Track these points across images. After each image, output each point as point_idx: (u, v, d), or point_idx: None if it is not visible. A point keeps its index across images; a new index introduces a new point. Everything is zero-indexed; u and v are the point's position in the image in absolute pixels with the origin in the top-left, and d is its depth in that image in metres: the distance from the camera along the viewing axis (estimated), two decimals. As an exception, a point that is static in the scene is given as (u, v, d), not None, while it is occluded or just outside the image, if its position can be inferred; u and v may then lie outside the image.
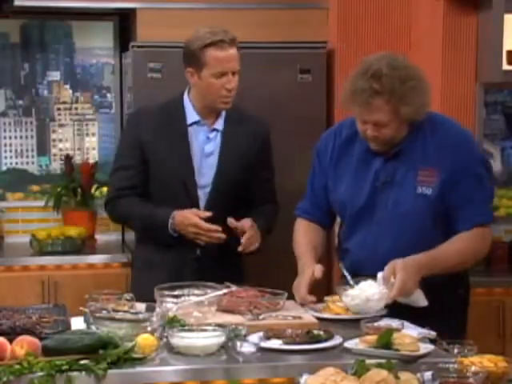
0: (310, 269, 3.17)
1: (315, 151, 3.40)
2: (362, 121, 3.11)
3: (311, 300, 3.09)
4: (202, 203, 3.54)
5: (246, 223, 3.47)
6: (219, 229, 3.42)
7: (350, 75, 3.13)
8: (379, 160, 3.19)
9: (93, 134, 5.17)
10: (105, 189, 4.59)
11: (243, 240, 3.44)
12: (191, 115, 3.56)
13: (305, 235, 3.38)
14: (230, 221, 3.46)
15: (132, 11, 4.70)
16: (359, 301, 2.99)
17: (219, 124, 3.57)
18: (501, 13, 4.16)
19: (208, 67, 3.44)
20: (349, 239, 3.28)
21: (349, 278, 3.08)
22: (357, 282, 3.04)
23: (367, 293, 2.98)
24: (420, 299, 3.03)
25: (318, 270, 3.15)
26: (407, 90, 3.02)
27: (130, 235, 4.50)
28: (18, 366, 2.40)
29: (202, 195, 3.54)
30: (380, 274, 3.00)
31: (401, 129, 3.12)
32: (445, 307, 3.14)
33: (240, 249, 3.45)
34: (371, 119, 3.06)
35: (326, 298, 3.11)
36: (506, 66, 4.15)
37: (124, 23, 5.01)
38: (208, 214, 3.43)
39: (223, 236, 3.43)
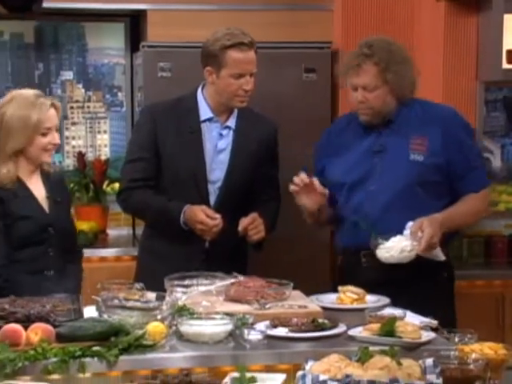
0: None
1: (313, 151, 3.60)
2: (353, 87, 3.33)
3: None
4: (213, 198, 3.54)
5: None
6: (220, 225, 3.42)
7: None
8: (373, 135, 3.38)
9: (104, 132, 5.18)
10: (116, 185, 4.60)
11: (242, 222, 3.44)
12: (205, 112, 3.56)
13: None
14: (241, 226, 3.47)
15: (143, 12, 4.71)
16: (394, 252, 3.17)
17: (232, 121, 3.58)
18: (500, 13, 4.16)
19: (227, 68, 3.44)
20: (344, 207, 3.41)
21: (376, 236, 3.22)
22: (386, 238, 3.20)
23: (401, 245, 3.16)
24: (440, 254, 3.25)
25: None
26: (394, 60, 3.28)
27: (141, 230, 4.49)
28: (32, 352, 2.41)
29: (213, 190, 3.55)
30: (407, 231, 3.18)
31: (387, 99, 3.32)
32: (431, 293, 3.26)
33: (239, 228, 3.44)
34: (360, 82, 3.29)
35: (339, 288, 3.12)
36: (505, 65, 4.15)
37: (135, 24, 5.03)
38: (217, 215, 3.41)
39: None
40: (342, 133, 3.48)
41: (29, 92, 3.31)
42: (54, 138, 3.28)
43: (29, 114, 3.22)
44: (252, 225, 3.45)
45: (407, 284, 3.23)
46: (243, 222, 3.44)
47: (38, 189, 3.30)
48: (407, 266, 3.20)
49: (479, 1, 4.27)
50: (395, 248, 3.17)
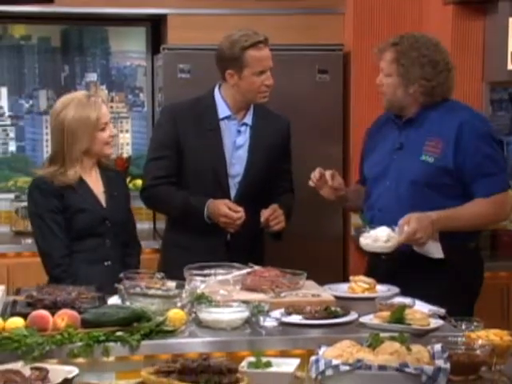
0: None
1: (364, 134, 3.62)
2: (379, 70, 3.34)
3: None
4: (233, 192, 3.55)
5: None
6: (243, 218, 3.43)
7: None
8: (396, 133, 3.36)
9: (126, 131, 5.20)
10: (138, 181, 4.61)
11: (263, 213, 3.46)
12: (223, 110, 3.57)
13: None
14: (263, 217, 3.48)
15: (163, 17, 4.73)
16: (370, 240, 3.14)
17: (248, 119, 3.59)
18: (506, 16, 4.14)
19: (249, 67, 3.46)
20: (366, 200, 3.42)
21: (366, 225, 3.26)
22: (373, 228, 3.18)
23: (377, 234, 3.13)
24: (435, 251, 3.18)
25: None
26: (412, 56, 3.26)
27: (161, 224, 4.51)
28: (59, 337, 2.43)
29: (233, 184, 3.56)
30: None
31: (398, 92, 3.29)
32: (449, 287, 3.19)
33: (262, 219, 3.46)
34: (381, 64, 3.32)
35: (351, 278, 3.12)
36: (510, 66, 4.14)
37: (156, 28, 5.03)
38: (239, 208, 3.42)
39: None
40: (380, 129, 3.47)
41: (80, 94, 3.36)
42: (111, 130, 3.35)
43: (87, 114, 3.25)
44: (273, 215, 3.46)
45: (426, 278, 3.19)
46: (264, 214, 3.45)
47: (95, 184, 3.34)
48: (426, 260, 3.18)
49: (485, 5, 4.25)
50: (372, 236, 3.15)
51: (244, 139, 3.58)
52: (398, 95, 3.30)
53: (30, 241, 3.37)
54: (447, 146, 3.23)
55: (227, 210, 3.40)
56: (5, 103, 5.07)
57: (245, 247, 3.45)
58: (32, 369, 2.27)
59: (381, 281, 3.10)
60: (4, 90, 5.05)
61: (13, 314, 2.58)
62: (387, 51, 3.31)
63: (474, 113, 3.41)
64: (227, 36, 3.52)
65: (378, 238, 3.13)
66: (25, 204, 3.79)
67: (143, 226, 4.99)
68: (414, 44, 3.29)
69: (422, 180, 3.24)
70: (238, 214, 3.40)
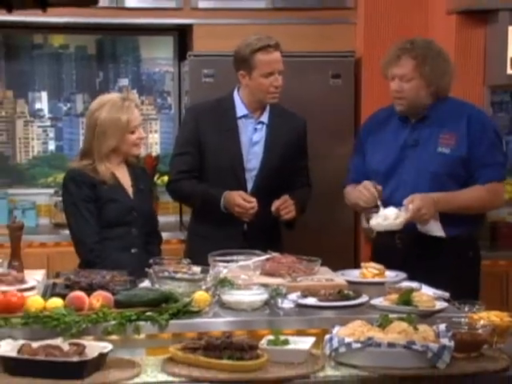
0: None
1: (358, 134, 3.55)
2: (391, 77, 3.27)
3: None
4: (249, 185, 3.55)
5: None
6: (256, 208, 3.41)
7: None
8: (408, 129, 3.31)
9: (155, 131, 5.20)
10: (165, 177, 4.61)
11: (275, 203, 3.44)
12: (240, 110, 3.56)
13: (354, 187, 3.40)
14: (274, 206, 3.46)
15: (189, 27, 4.72)
16: (380, 219, 3.13)
17: (265, 117, 3.58)
18: (506, 25, 4.12)
19: (258, 69, 3.45)
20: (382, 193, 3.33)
21: (380, 203, 3.19)
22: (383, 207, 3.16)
23: (386, 213, 3.12)
24: (436, 230, 3.19)
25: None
26: (431, 56, 3.21)
27: (187, 217, 4.52)
28: (94, 316, 2.44)
29: (249, 178, 3.55)
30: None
31: (420, 92, 3.24)
32: (457, 271, 3.15)
33: (272, 208, 3.44)
34: (398, 72, 3.23)
35: (362, 264, 3.11)
36: (510, 71, 4.12)
37: (182, 37, 5.03)
38: (252, 199, 3.42)
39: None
40: (382, 125, 3.40)
41: (115, 96, 3.36)
42: (141, 133, 3.34)
43: (119, 116, 3.25)
44: (283, 205, 3.45)
45: (435, 263, 3.17)
46: (275, 203, 3.45)
47: (124, 178, 3.35)
48: (435, 247, 3.18)
49: (487, 14, 4.22)
50: (381, 216, 3.13)
51: (260, 136, 3.57)
52: (421, 96, 3.25)
53: (67, 232, 3.38)
54: (461, 137, 3.21)
55: (241, 201, 3.40)
56: (45, 106, 5.09)
57: (261, 236, 3.43)
58: (70, 344, 2.28)
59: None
60: (44, 94, 5.07)
61: (53, 295, 2.60)
62: (403, 57, 3.23)
63: (478, 107, 3.42)
64: (244, 40, 3.53)
65: (388, 217, 3.11)
66: (63, 197, 3.79)
67: (170, 218, 5.00)
68: (427, 45, 3.26)
69: (442, 171, 3.22)
70: (250, 204, 3.39)
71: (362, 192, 3.25)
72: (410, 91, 3.23)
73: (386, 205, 3.19)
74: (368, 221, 3.20)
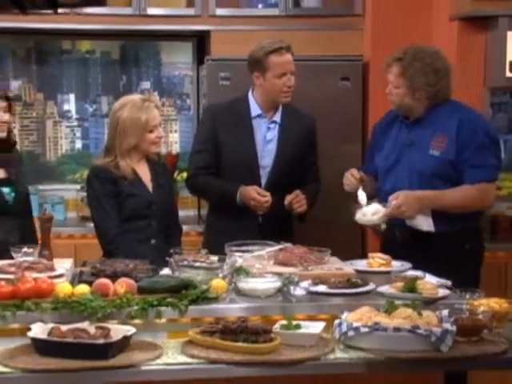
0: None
1: (373, 130, 3.56)
2: (388, 81, 3.31)
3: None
4: (263, 180, 3.55)
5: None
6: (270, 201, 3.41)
7: None
8: (406, 130, 3.32)
9: (175, 131, 5.21)
10: (185, 174, 4.60)
11: (287, 197, 3.44)
12: (255, 110, 3.57)
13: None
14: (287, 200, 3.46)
15: (207, 33, 4.72)
16: (360, 215, 3.16)
17: (277, 117, 3.58)
18: (505, 30, 4.09)
19: (271, 70, 3.46)
20: (380, 190, 3.36)
21: (360, 191, 3.23)
22: (368, 204, 3.18)
23: (367, 209, 3.14)
24: (424, 224, 3.18)
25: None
26: (416, 67, 3.22)
27: (204, 211, 4.51)
28: (118, 301, 2.45)
29: (263, 174, 3.55)
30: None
31: (406, 100, 3.25)
32: (455, 262, 3.14)
33: (285, 202, 3.44)
34: (389, 78, 3.29)
35: (369, 254, 3.09)
36: (508, 74, 4.09)
37: (201, 42, 5.03)
38: (266, 193, 3.42)
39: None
40: (389, 126, 3.42)
41: (136, 97, 3.36)
42: (159, 132, 3.34)
43: (139, 116, 3.26)
44: (295, 199, 3.44)
45: (433, 255, 3.15)
46: (288, 198, 3.45)
47: (144, 174, 3.36)
48: (429, 240, 3.17)
49: (487, 20, 4.19)
50: (362, 212, 3.15)
51: (273, 135, 3.57)
52: (405, 102, 3.28)
53: (92, 224, 3.40)
54: (451, 140, 3.19)
55: (256, 195, 3.40)
56: (73, 107, 5.11)
57: (275, 228, 3.43)
58: (96, 327, 2.29)
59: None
60: (72, 96, 5.09)
61: (80, 282, 2.61)
62: (393, 66, 3.27)
63: (473, 111, 3.36)
64: (258, 43, 3.54)
65: (366, 213, 3.14)
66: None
67: (189, 212, 5.01)
68: (416, 55, 3.23)
69: (428, 171, 3.21)
70: (265, 198, 3.40)
71: (347, 177, 3.32)
72: (396, 96, 3.28)
73: (385, 198, 3.20)
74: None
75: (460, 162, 3.18)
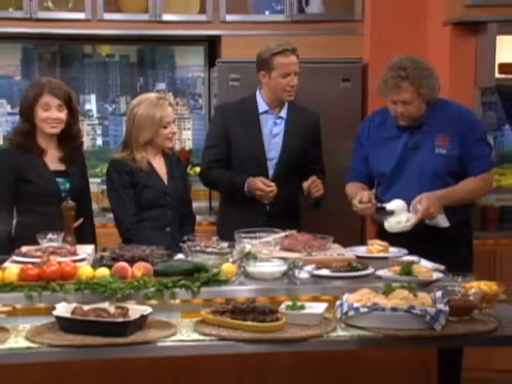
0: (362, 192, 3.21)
1: (356, 136, 3.45)
2: (392, 101, 3.17)
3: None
4: (271, 172, 3.56)
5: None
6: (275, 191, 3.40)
7: (382, 71, 3.20)
8: (406, 134, 3.25)
9: (188, 129, 5.20)
10: (197, 168, 4.61)
11: (305, 183, 3.42)
12: (262, 106, 3.58)
13: (354, 186, 3.38)
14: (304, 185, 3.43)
15: (218, 37, 4.71)
16: (393, 223, 3.08)
17: (283, 113, 3.59)
18: (494, 34, 4.05)
19: (276, 70, 3.46)
20: (386, 193, 3.30)
21: (385, 206, 3.12)
22: (392, 212, 3.10)
23: (400, 218, 3.07)
24: (442, 222, 3.14)
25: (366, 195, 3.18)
26: (424, 76, 3.13)
27: (215, 202, 4.51)
28: (136, 283, 2.45)
29: (270, 166, 3.56)
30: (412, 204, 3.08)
31: (421, 107, 3.18)
32: (453, 245, 3.14)
33: (304, 187, 3.41)
34: (400, 99, 3.13)
35: (368, 241, 3.08)
36: (497, 75, 4.06)
37: (212, 46, 5.02)
38: (272, 183, 3.41)
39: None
40: (379, 128, 3.33)
41: (152, 95, 3.36)
42: (173, 128, 3.34)
43: (154, 112, 3.26)
44: (313, 184, 3.43)
45: (433, 241, 3.13)
46: (305, 183, 3.42)
47: (160, 166, 3.36)
48: (434, 229, 3.14)
49: (477, 25, 4.16)
50: (395, 219, 3.08)
51: (279, 129, 3.57)
52: (421, 109, 3.19)
53: (112, 215, 3.39)
54: (453, 137, 3.17)
55: (261, 185, 3.40)
56: (93, 107, 5.10)
57: (281, 217, 3.42)
58: (116, 307, 2.30)
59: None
60: (93, 97, 5.08)
61: (101, 266, 2.62)
62: (403, 86, 3.11)
63: (461, 105, 3.35)
64: (265, 45, 3.55)
65: (401, 221, 3.07)
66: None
67: (201, 204, 4.98)
68: (415, 65, 3.15)
69: (441, 170, 3.17)
70: (270, 188, 3.39)
71: (358, 207, 3.16)
72: (413, 110, 3.17)
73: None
74: (380, 222, 3.15)
75: (463, 155, 3.17)
